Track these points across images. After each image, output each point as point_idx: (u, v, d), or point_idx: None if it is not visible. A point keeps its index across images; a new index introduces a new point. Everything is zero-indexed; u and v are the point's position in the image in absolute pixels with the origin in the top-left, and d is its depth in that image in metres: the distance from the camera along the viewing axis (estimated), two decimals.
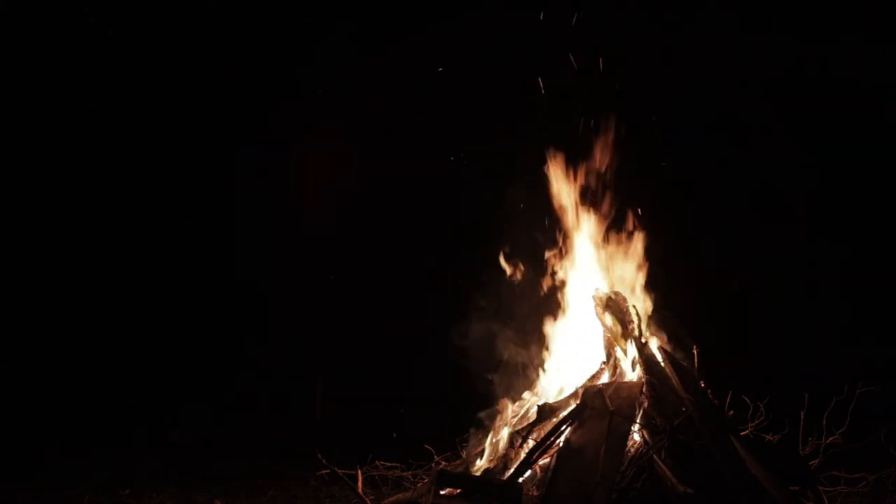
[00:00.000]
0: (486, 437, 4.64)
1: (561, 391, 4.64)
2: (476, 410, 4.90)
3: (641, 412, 3.99)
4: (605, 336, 4.58)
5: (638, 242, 4.97)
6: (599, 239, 5.06)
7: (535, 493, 3.84)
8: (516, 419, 4.64)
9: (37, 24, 8.54)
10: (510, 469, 4.05)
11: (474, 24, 7.82)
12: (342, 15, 8.84)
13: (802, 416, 4.43)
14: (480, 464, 4.50)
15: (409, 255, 9.01)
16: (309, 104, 9.46)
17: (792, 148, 8.91)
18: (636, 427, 3.92)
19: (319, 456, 4.23)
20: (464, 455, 4.73)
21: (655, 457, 3.69)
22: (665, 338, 4.74)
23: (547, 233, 5.20)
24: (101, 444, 7.02)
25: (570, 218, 5.11)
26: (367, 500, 4.00)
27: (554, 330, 5.05)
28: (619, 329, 4.53)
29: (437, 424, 5.08)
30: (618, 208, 5.07)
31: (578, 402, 4.09)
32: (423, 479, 4.50)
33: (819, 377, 5.12)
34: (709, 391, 4.35)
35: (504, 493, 3.69)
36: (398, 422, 7.33)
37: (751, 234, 9.12)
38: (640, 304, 4.71)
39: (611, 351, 4.52)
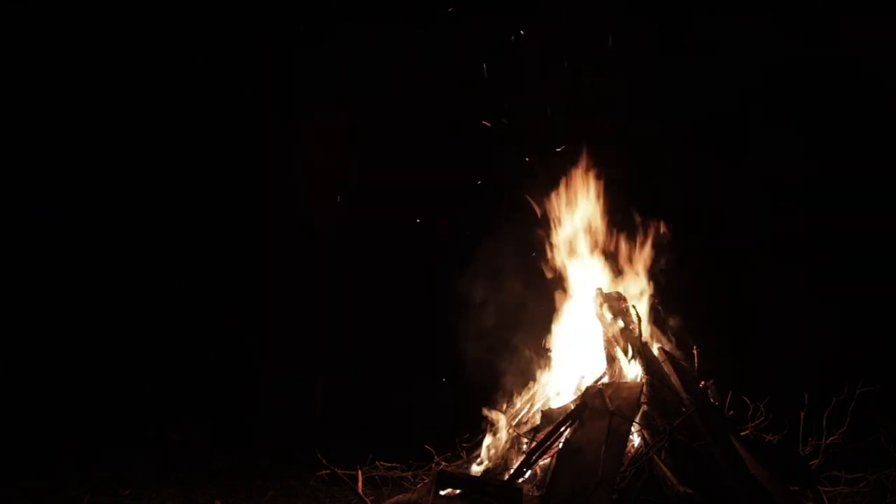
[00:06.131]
0: (487, 437, 4.63)
1: (561, 393, 4.63)
2: (476, 410, 4.89)
3: (641, 412, 3.99)
4: (605, 336, 4.58)
5: (640, 243, 4.98)
6: (601, 240, 5.06)
7: (536, 493, 3.83)
8: (517, 420, 4.64)
9: (38, 24, 8.55)
10: (510, 469, 4.05)
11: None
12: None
13: (802, 416, 4.42)
14: (480, 464, 4.50)
15: (408, 255, 9.00)
16: (308, 105, 9.46)
17: (793, 147, 8.91)
18: (636, 427, 3.91)
19: (319, 456, 4.22)
20: (464, 455, 4.73)
21: (655, 457, 3.68)
22: (665, 338, 4.74)
23: (548, 234, 5.20)
24: (101, 444, 7.02)
25: (570, 220, 5.12)
26: (367, 500, 3.99)
27: (555, 331, 5.04)
28: (619, 329, 4.53)
29: (437, 424, 5.07)
30: (619, 210, 5.08)
31: (578, 402, 4.09)
32: (424, 479, 4.50)
33: (819, 377, 5.12)
34: (709, 391, 4.35)
35: (504, 494, 3.68)
36: (398, 422, 7.33)
37: (751, 234, 9.12)
38: (640, 304, 4.71)
39: (611, 351, 4.52)
